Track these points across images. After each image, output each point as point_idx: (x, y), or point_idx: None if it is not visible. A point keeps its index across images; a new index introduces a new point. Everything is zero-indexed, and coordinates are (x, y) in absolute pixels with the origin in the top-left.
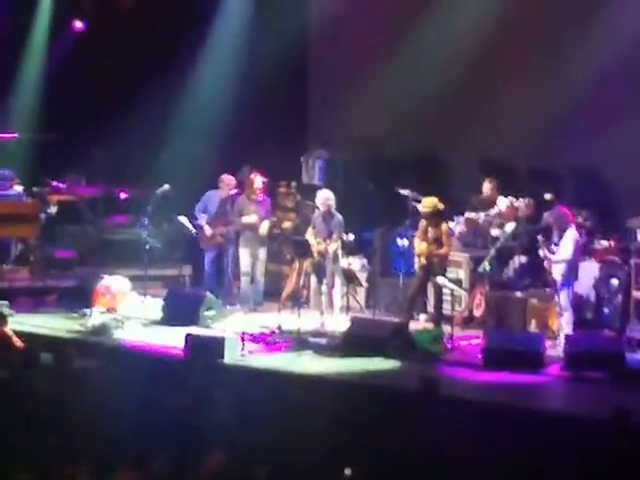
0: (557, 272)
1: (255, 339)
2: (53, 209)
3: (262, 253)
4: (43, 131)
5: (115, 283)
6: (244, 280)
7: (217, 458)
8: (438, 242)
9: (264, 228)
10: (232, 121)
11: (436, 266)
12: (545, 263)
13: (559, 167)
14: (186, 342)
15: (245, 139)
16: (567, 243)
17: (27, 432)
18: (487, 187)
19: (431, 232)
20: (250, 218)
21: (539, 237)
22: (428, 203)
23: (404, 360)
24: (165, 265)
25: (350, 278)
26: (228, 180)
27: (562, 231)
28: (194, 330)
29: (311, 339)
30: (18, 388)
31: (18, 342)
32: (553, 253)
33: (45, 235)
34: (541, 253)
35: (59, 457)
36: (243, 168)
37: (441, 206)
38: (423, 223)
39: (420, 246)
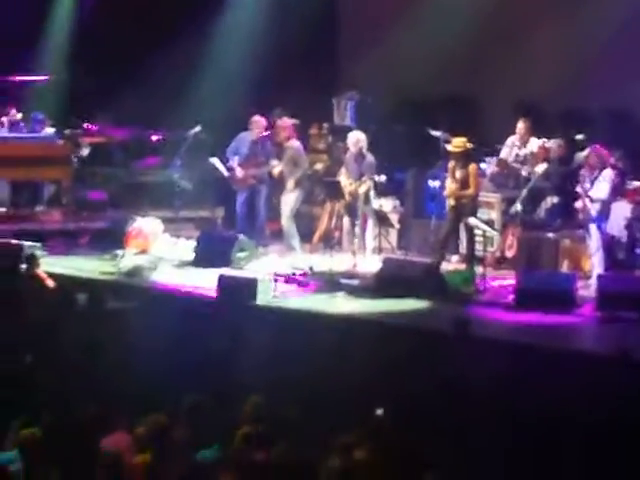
0: (591, 210)
1: (287, 280)
2: (85, 151)
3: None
4: (74, 73)
5: (147, 225)
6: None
7: (254, 400)
8: (466, 183)
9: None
10: (264, 63)
11: (466, 207)
12: (578, 202)
13: (591, 108)
14: (219, 283)
15: (277, 81)
16: (603, 183)
17: (61, 374)
18: (521, 127)
19: (459, 173)
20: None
21: (581, 172)
22: (457, 143)
23: (436, 301)
24: (197, 207)
25: (382, 219)
26: (259, 121)
27: (599, 170)
28: (227, 271)
29: (343, 280)
30: (52, 328)
31: (51, 283)
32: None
33: (77, 177)
34: (579, 189)
35: (91, 399)
36: (275, 110)
37: (470, 146)
38: (452, 164)
39: (449, 187)
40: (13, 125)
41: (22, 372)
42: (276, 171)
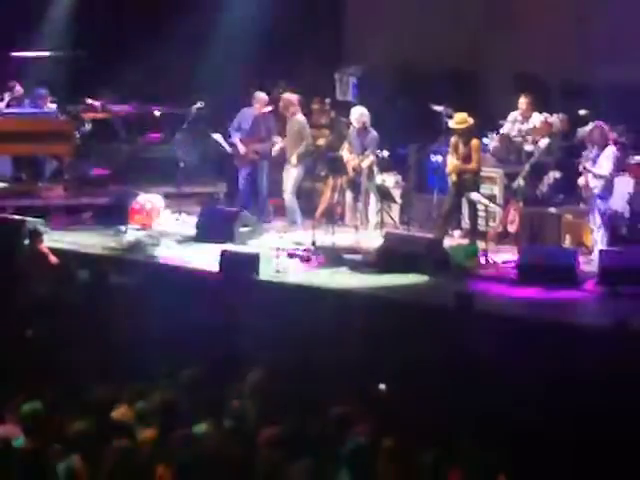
0: (594, 187)
1: (290, 255)
2: (87, 127)
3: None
4: (76, 49)
5: (150, 200)
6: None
7: (257, 374)
8: (468, 158)
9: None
10: (266, 38)
11: (468, 182)
12: (581, 179)
13: (594, 83)
14: (221, 258)
15: (279, 56)
16: (606, 160)
17: (63, 348)
18: (523, 102)
19: (461, 148)
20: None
21: (583, 154)
22: (459, 119)
23: (438, 276)
24: (199, 182)
25: (384, 194)
26: (261, 97)
27: (602, 147)
28: (229, 247)
29: (346, 255)
30: (55, 304)
31: (54, 259)
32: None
33: (79, 153)
34: (581, 167)
35: (95, 374)
36: (277, 85)
37: (471, 121)
38: (454, 139)
39: (451, 162)
40: (16, 100)
41: (23, 347)
42: (277, 148)
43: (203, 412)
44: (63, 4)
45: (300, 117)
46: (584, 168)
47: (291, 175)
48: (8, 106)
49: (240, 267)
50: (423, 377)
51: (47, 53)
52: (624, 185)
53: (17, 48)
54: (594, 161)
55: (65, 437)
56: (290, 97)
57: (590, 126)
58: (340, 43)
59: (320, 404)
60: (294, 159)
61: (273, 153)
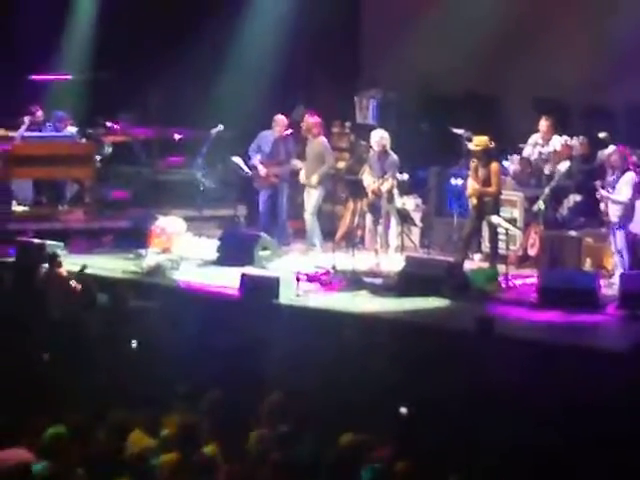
0: (613, 213)
1: (310, 279)
2: (107, 150)
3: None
4: (96, 72)
5: (170, 224)
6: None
7: (276, 397)
8: (488, 181)
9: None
10: (285, 61)
11: (488, 205)
12: (601, 204)
13: (613, 106)
14: (241, 282)
15: (298, 79)
16: (625, 185)
17: (82, 373)
18: (543, 124)
19: (481, 171)
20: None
21: (597, 183)
22: (479, 142)
23: (459, 299)
24: (219, 205)
25: (404, 217)
26: (281, 120)
27: (621, 172)
28: (249, 270)
29: (366, 279)
30: (74, 327)
31: (73, 283)
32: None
33: (100, 176)
34: (598, 195)
35: (112, 398)
36: (297, 108)
37: (492, 145)
38: (474, 162)
39: (471, 186)
40: (37, 125)
41: (42, 371)
42: (301, 172)
43: (222, 435)
44: (83, 26)
45: (322, 139)
46: (601, 196)
47: (312, 197)
48: (28, 130)
49: (260, 291)
50: (443, 401)
51: (69, 76)
52: None
53: (37, 71)
54: (613, 186)
55: (87, 461)
56: (313, 119)
57: (610, 149)
58: (359, 66)
59: (338, 428)
60: (315, 179)
61: (292, 176)
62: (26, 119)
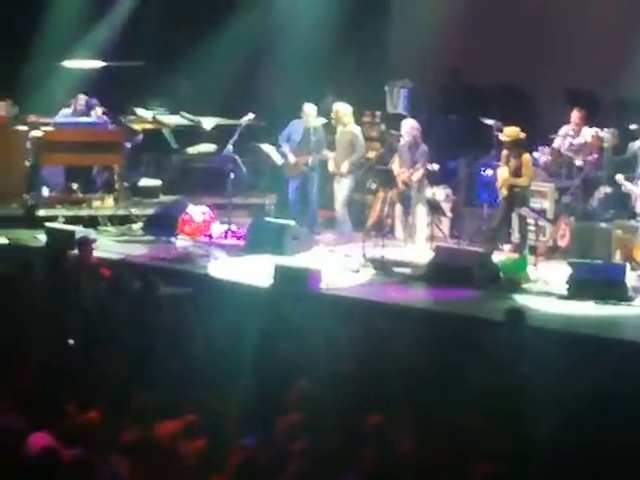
0: None
1: (340, 268)
2: (139, 137)
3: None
4: (128, 59)
5: (200, 211)
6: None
7: (302, 387)
8: (519, 172)
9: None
10: (315, 50)
11: (518, 196)
12: (633, 196)
13: None
14: (274, 272)
15: (329, 68)
16: None
17: (108, 358)
18: (575, 116)
19: (512, 162)
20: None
21: (619, 176)
22: (510, 132)
23: (488, 290)
24: (250, 194)
25: (434, 208)
26: (311, 109)
27: None
28: (279, 259)
29: (395, 268)
30: (104, 313)
31: (104, 269)
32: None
33: (130, 163)
34: (624, 189)
35: (144, 385)
36: (327, 97)
37: (523, 136)
38: (505, 153)
39: (502, 176)
40: (78, 112)
41: (71, 356)
42: (330, 161)
43: (252, 424)
44: (115, 14)
45: (353, 127)
46: (627, 189)
47: (343, 186)
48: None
49: (292, 280)
50: (473, 391)
51: (102, 63)
52: None
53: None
54: None
55: (118, 446)
56: (344, 108)
57: None
58: (390, 56)
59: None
60: (345, 167)
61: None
62: (72, 102)
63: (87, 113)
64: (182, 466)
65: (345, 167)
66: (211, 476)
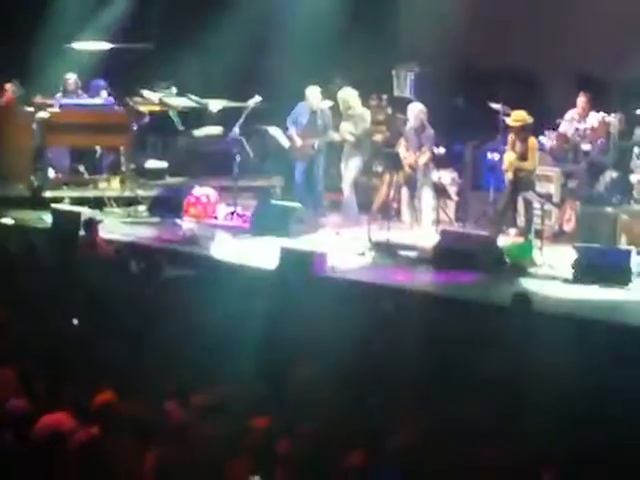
0: None
1: (345, 251)
2: (146, 119)
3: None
4: (135, 40)
5: (205, 194)
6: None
7: (306, 370)
8: (525, 156)
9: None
10: (322, 33)
11: (524, 180)
12: (636, 177)
13: None
14: (280, 255)
15: (336, 51)
16: None
17: (112, 339)
18: (582, 100)
19: (519, 146)
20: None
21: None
22: (517, 117)
23: (494, 274)
24: (256, 176)
25: (440, 191)
26: (317, 92)
27: None
28: (285, 242)
29: (401, 252)
30: (107, 294)
31: (109, 250)
32: None
33: (136, 145)
34: (633, 179)
35: (148, 368)
36: (334, 80)
37: (530, 120)
38: (512, 137)
39: (508, 160)
40: (69, 92)
41: (76, 337)
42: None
43: (259, 407)
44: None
45: (360, 110)
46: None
47: (351, 166)
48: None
49: (297, 263)
50: (478, 375)
51: (110, 45)
52: None
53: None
54: None
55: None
56: (350, 91)
57: None
58: (397, 40)
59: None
60: (350, 142)
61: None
62: (63, 85)
63: (94, 95)
64: (195, 451)
65: (350, 143)
66: (227, 461)
